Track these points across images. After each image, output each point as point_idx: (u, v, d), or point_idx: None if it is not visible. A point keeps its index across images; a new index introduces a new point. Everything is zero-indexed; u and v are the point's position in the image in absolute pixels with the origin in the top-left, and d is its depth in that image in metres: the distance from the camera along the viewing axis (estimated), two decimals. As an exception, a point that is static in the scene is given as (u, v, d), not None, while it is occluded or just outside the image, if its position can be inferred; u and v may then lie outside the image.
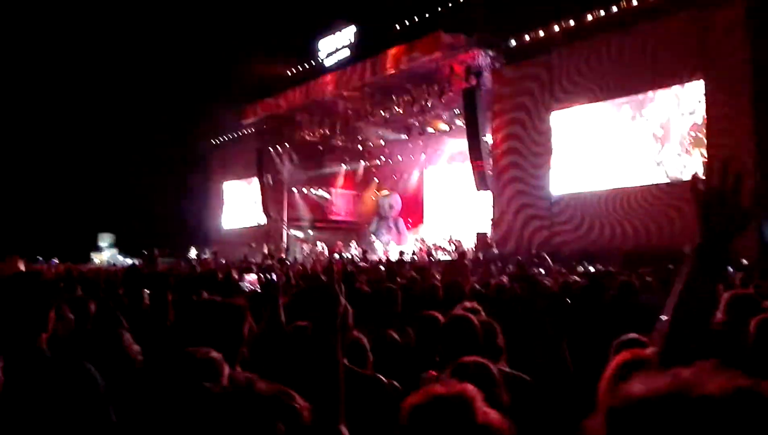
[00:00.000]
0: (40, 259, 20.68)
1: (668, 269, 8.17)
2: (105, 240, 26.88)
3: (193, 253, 24.65)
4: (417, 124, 22.11)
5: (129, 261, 20.90)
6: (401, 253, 15.88)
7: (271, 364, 3.02)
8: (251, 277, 3.40)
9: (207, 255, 23.91)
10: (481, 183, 17.60)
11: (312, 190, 26.50)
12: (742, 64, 12.29)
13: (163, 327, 4.36)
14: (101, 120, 26.36)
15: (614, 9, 14.35)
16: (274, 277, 4.34)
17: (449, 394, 1.31)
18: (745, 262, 9.85)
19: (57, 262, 20.95)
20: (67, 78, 25.26)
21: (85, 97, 25.81)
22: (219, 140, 27.61)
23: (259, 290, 3.43)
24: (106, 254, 25.43)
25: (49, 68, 25.01)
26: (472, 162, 17.64)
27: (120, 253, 25.47)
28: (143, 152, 26.86)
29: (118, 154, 26.81)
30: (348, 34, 20.93)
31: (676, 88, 13.66)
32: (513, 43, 16.67)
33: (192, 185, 28.79)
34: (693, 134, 13.44)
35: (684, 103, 13.59)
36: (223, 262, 19.02)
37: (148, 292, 6.54)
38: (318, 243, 23.92)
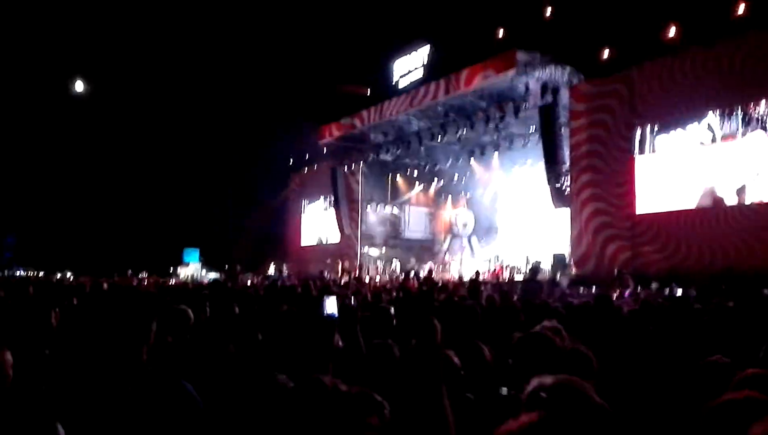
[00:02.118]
0: (130, 272, 21.95)
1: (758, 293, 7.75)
2: (191, 255, 28.21)
3: (272, 268, 25.44)
4: (491, 142, 21.99)
5: (212, 275, 21.81)
6: (477, 273, 15.75)
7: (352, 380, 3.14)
8: (332, 299, 3.48)
9: (285, 271, 24.60)
10: (559, 201, 17.26)
11: (386, 207, 26.80)
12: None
13: (252, 338, 4.58)
14: (189, 142, 27.81)
15: (697, 22, 13.74)
16: (352, 301, 4.45)
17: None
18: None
19: (146, 275, 22.16)
20: (157, 95, 26.79)
21: (175, 118, 27.33)
22: (298, 160, 28.44)
23: (336, 314, 3.55)
24: (191, 269, 26.65)
25: (141, 85, 26.62)
26: (549, 180, 17.34)
27: (204, 268, 26.64)
28: (226, 171, 28.10)
29: (204, 174, 28.17)
30: (423, 53, 21.16)
31: (762, 106, 12.92)
32: (591, 58, 16.32)
33: (272, 203, 29.77)
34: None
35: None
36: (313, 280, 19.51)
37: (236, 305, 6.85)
38: (393, 260, 24.12)
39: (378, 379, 3.32)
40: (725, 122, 13.77)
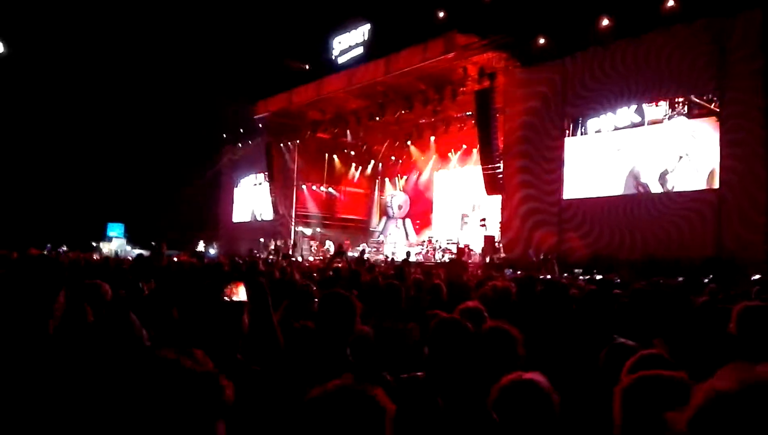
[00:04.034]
0: (49, 246, 20.80)
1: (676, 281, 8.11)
2: (114, 230, 27.04)
3: (201, 246, 24.74)
4: (428, 124, 22.08)
5: (137, 252, 20.99)
6: (408, 254, 15.84)
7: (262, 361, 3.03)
8: (239, 289, 3.36)
9: (214, 248, 23.99)
10: (492, 186, 17.53)
11: (321, 187, 26.52)
12: (757, 76, 12.17)
13: (168, 317, 4.37)
14: (116, 111, 26.51)
15: (629, 15, 14.16)
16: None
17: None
18: (757, 276, 9.77)
19: (66, 249, 21.07)
20: (85, 68, 25.40)
21: (102, 88, 25.96)
22: (231, 134, 27.64)
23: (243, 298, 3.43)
24: (115, 244, 25.56)
25: (67, 58, 25.14)
26: (482, 165, 17.58)
27: (128, 244, 25.60)
28: (156, 144, 26.99)
29: (130, 145, 26.95)
30: (362, 31, 20.89)
31: (691, 97, 13.54)
32: (528, 45, 16.56)
33: (203, 178, 28.87)
34: (694, 143, 13.31)
35: (691, 112, 13.47)
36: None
37: (151, 282, 6.57)
38: (326, 242, 23.95)
39: (289, 360, 3.23)
40: (650, 111, 14.34)
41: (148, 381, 1.36)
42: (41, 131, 25.79)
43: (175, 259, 15.67)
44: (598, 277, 10.60)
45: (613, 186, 15.00)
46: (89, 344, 2.75)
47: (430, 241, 21.53)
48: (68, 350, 2.67)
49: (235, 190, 29.09)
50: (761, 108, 12.12)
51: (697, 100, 13.42)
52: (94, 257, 18.14)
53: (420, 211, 25.31)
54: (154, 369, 1.39)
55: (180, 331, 3.97)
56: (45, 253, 16.95)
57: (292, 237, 24.67)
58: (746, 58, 12.38)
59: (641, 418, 1.59)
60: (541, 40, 16.21)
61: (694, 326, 3.44)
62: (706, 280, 9.21)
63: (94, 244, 24.51)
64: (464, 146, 21.62)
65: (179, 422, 1.35)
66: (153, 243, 22.29)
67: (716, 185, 12.95)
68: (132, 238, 25.90)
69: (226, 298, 2.89)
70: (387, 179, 27.00)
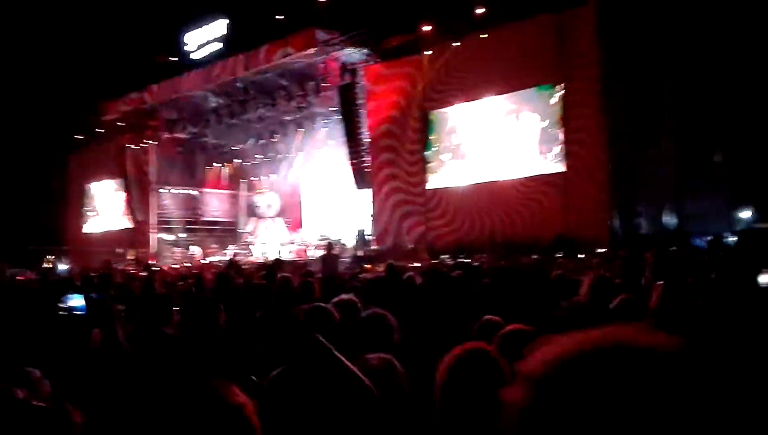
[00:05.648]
0: None
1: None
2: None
3: (49, 262, 22.51)
4: (293, 121, 21.79)
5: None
6: (279, 253, 15.57)
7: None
8: (77, 297, 3.07)
9: (64, 263, 21.98)
10: (361, 181, 17.73)
11: (182, 190, 25.18)
12: (594, 65, 13.33)
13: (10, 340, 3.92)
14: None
15: (477, 11, 14.76)
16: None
17: None
18: (602, 250, 10.79)
19: None
20: None
21: None
22: (78, 138, 25.34)
23: (83, 310, 3.13)
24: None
25: None
26: (350, 160, 17.70)
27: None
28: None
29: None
30: (219, 27, 20.12)
31: (538, 88, 14.55)
32: (386, 41, 16.87)
33: (49, 187, 26.34)
34: (550, 132, 14.41)
35: (544, 102, 14.53)
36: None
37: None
38: (191, 247, 22.85)
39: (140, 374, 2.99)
40: (501, 103, 15.24)
41: None
42: None
43: (19, 278, 14.13)
44: (464, 261, 11.11)
45: (470, 175, 15.78)
46: None
47: (302, 239, 21.32)
48: None
49: (86, 199, 26.83)
50: (599, 95, 13.29)
51: (539, 92, 14.48)
52: None
53: (290, 209, 24.98)
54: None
55: (22, 353, 3.56)
56: None
57: (154, 245, 23.24)
58: (584, 50, 13.50)
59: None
60: (398, 36, 16.57)
61: (550, 297, 3.67)
62: (558, 257, 10.00)
63: None
64: (331, 142, 21.59)
65: None
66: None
67: (562, 169, 14.07)
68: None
69: (63, 312, 2.60)
70: (253, 177, 26.31)
